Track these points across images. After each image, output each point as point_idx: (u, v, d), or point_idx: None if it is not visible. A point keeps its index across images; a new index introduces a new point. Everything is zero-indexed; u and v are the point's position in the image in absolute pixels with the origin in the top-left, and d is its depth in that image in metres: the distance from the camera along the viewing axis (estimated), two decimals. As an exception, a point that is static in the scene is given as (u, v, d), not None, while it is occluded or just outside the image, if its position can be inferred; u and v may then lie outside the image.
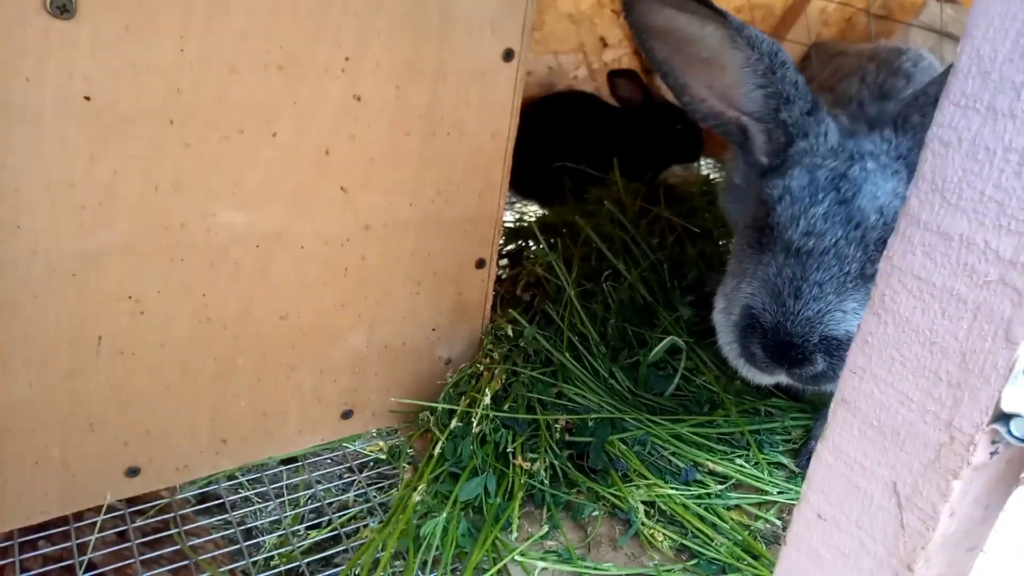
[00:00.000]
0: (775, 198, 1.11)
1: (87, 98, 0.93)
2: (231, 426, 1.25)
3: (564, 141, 2.30)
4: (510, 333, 1.45)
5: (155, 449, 1.19)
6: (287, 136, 1.10)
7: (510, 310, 1.50)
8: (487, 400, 1.27)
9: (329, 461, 1.55)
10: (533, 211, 2.43)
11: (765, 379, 1.19)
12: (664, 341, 1.50)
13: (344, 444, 1.42)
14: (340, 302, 1.28)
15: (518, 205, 2.48)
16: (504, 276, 1.83)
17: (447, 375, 1.42)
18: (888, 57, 1.59)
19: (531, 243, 1.98)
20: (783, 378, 1.13)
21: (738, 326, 1.13)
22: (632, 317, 1.60)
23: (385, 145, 1.19)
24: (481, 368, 1.41)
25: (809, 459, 1.52)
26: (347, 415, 1.38)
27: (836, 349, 1.04)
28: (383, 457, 1.46)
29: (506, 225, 2.09)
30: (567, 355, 1.44)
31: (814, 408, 1.46)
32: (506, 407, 1.33)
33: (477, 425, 1.25)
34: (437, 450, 1.24)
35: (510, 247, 2.00)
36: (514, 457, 1.25)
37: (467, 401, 1.32)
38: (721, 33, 1.11)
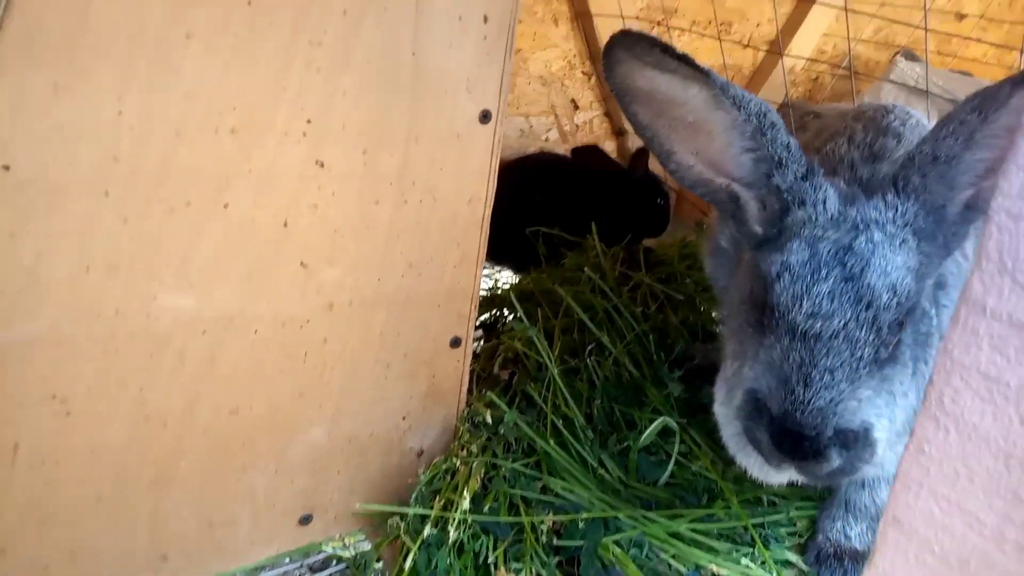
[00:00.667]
0: (774, 275, 1.01)
1: (5, 167, 0.80)
2: (173, 540, 1.08)
3: (539, 204, 2.22)
4: (488, 419, 1.32)
5: (82, 572, 1.02)
6: (240, 207, 0.97)
7: (488, 392, 1.37)
8: (465, 504, 1.12)
9: (287, 560, 1.38)
10: (507, 277, 2.31)
11: (775, 477, 1.07)
12: (655, 423, 1.38)
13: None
14: (299, 391, 1.14)
15: (491, 271, 2.36)
16: (479, 350, 1.70)
17: (419, 471, 1.27)
18: (874, 116, 1.52)
19: (507, 312, 1.86)
20: (793, 474, 1.02)
21: (742, 411, 1.01)
22: (619, 396, 1.48)
23: (351, 215, 1.07)
24: (457, 462, 1.27)
25: (818, 556, 1.42)
26: (306, 520, 1.22)
27: (851, 442, 0.93)
28: (346, 555, 1.31)
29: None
30: (552, 442, 1.30)
31: (819, 496, 1.35)
32: (486, 508, 1.18)
33: (454, 531, 1.11)
34: (408, 562, 1.09)
35: (484, 317, 1.88)
36: (496, 568, 1.10)
37: (442, 502, 1.18)
38: (705, 95, 1.02)
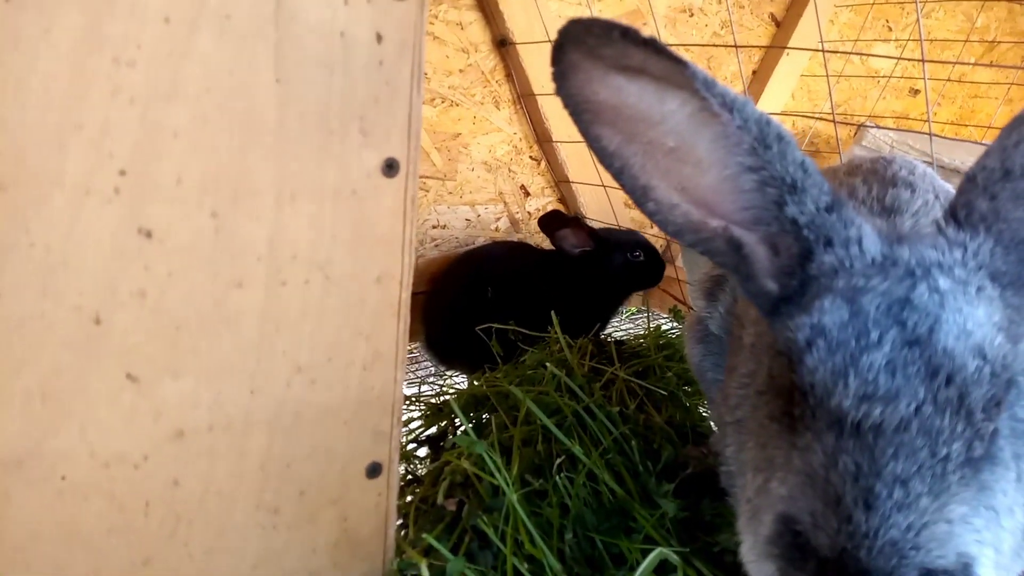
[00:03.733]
0: (802, 344, 0.71)
1: None
2: None
3: (495, 295, 1.94)
4: (425, 574, 0.98)
5: None
6: (20, 297, 0.67)
7: (424, 535, 1.04)
8: None
9: None
10: (459, 381, 2.01)
11: None
12: (650, 557, 1.05)
13: None
14: (141, 558, 0.81)
15: (437, 377, 2.06)
16: (423, 474, 1.37)
17: (330, 653, 0.93)
18: (875, 168, 1.25)
19: (458, 423, 1.54)
20: None
21: (775, 546, 0.69)
22: (599, 523, 1.15)
23: (200, 304, 0.77)
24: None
25: None
26: None
27: (945, 590, 0.62)
28: None
29: (425, 401, 1.65)
30: (512, 599, 0.97)
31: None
32: None
33: None
34: None
35: (431, 430, 1.55)
36: None
37: None
38: (689, 108, 0.75)
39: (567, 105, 0.78)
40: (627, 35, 0.69)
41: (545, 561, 1.04)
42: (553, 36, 0.74)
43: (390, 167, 0.87)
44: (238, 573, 0.87)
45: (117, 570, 0.79)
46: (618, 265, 1.98)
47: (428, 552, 1.02)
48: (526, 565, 1.04)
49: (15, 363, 0.68)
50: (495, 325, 1.74)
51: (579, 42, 0.72)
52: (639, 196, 0.80)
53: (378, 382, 0.94)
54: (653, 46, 0.69)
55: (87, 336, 0.71)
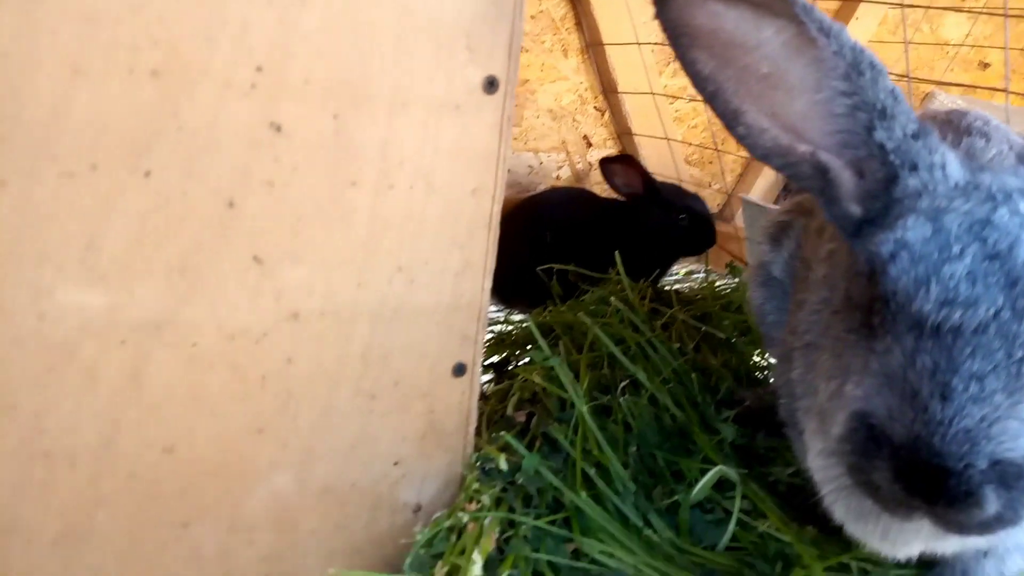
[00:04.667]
0: (885, 256, 0.75)
1: None
2: (85, 619, 0.83)
3: (554, 241, 2.00)
4: (503, 466, 1.06)
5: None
6: (167, 176, 0.75)
7: (502, 433, 1.11)
8: (476, 570, 0.86)
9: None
10: (519, 321, 2.08)
11: (902, 548, 0.80)
12: (710, 473, 1.11)
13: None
14: (256, 426, 0.89)
15: (500, 314, 2.13)
16: (488, 392, 1.45)
17: (416, 529, 1.01)
18: (950, 118, 1.27)
19: (519, 354, 1.61)
20: (924, 540, 0.75)
21: (847, 442, 0.74)
22: (661, 441, 1.21)
23: (320, 198, 0.85)
24: (465, 518, 1.01)
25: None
26: (268, 592, 0.96)
27: (1014, 479, 0.66)
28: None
29: (488, 331, 1.73)
30: (584, 495, 1.04)
31: (922, 564, 1.06)
32: (504, 575, 0.92)
33: (459, 605, 0.84)
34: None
35: (493, 358, 1.63)
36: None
37: (446, 568, 0.92)
38: (785, 36, 0.79)
39: (665, 30, 0.83)
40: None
41: (611, 467, 1.11)
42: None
43: (491, 84, 0.93)
44: (337, 451, 0.96)
45: (235, 436, 0.88)
46: (660, 222, 2.01)
47: (504, 448, 1.09)
48: (593, 470, 1.11)
49: (160, 236, 0.76)
50: (556, 266, 1.80)
51: None
52: (730, 120, 0.85)
53: (468, 289, 1.01)
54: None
55: (221, 218, 0.79)
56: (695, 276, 2.64)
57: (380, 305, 0.94)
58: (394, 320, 0.95)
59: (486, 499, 1.03)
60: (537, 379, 1.28)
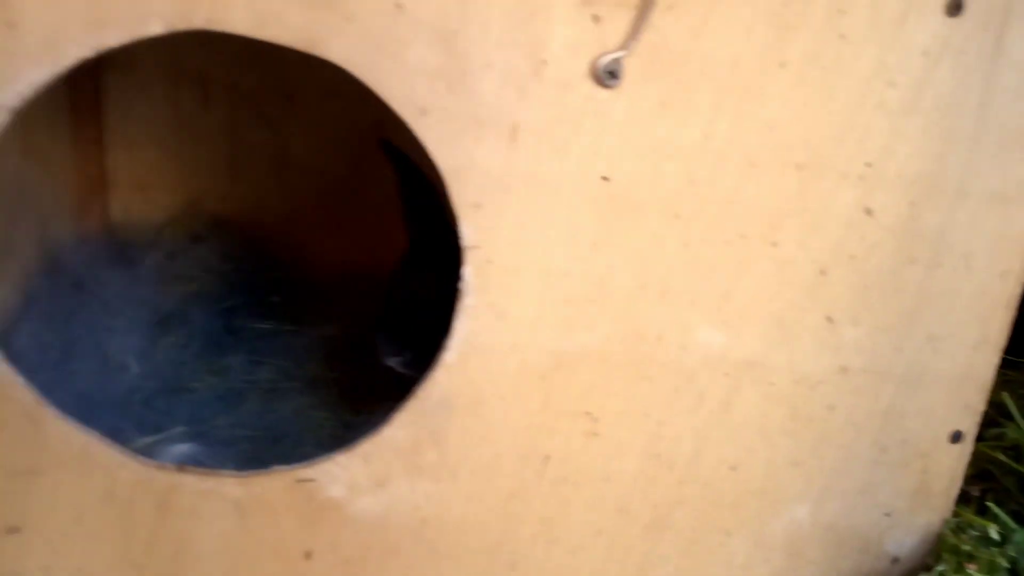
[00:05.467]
0: None
1: (605, 178, 0.83)
2: (655, 596, 1.03)
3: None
4: (994, 534, 1.12)
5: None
6: (787, 247, 0.93)
7: (989, 504, 1.17)
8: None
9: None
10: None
11: None
12: None
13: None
14: (794, 460, 1.05)
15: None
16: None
17: (899, 580, 1.11)
18: None
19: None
20: None
21: None
22: None
23: (885, 271, 0.99)
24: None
25: None
26: (778, 605, 1.10)
27: None
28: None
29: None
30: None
31: None
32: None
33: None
34: None
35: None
36: None
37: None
38: None
39: None
40: None
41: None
42: None
43: (1037, 180, 1.02)
44: (847, 493, 1.08)
45: (779, 464, 1.03)
46: None
47: (992, 519, 1.15)
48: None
49: (771, 292, 0.94)
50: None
51: None
52: None
53: (980, 362, 1.09)
54: None
55: (813, 283, 0.95)
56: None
57: (908, 369, 1.05)
58: (916, 384, 1.06)
59: (976, 565, 1.09)
60: (1000, 456, 1.31)
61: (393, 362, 1.01)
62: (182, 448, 0.93)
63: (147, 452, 0.85)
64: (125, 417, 1.07)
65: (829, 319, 0.98)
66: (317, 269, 1.50)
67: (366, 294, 1.50)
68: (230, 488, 0.86)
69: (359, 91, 1.42)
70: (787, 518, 1.08)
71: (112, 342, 1.12)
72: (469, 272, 0.84)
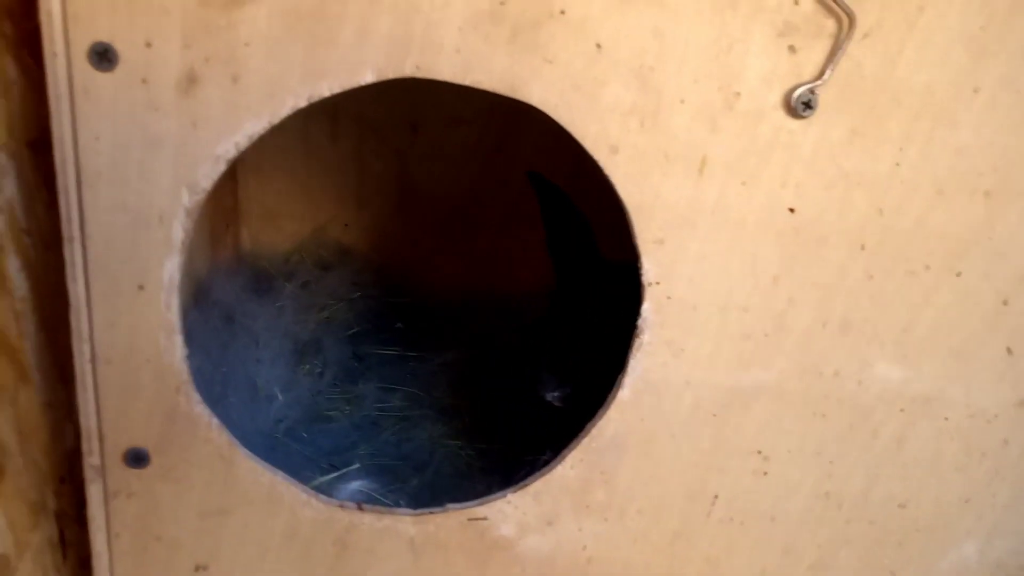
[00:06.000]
0: None
1: (791, 210, 0.81)
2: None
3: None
4: None
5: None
6: (970, 277, 0.89)
7: None
8: None
9: None
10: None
11: None
12: None
13: None
14: (965, 496, 1.00)
15: None
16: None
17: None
18: None
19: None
20: None
21: None
22: None
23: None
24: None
25: None
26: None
27: None
28: None
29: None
30: None
31: None
32: None
33: None
34: None
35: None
36: None
37: None
38: None
39: None
40: None
41: None
42: None
43: None
44: (1016, 532, 1.03)
45: (948, 501, 0.99)
46: None
47: None
48: None
49: (952, 325, 0.90)
50: None
51: None
52: None
53: None
54: None
55: (994, 314, 0.90)
56: None
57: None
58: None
59: None
60: None
61: (552, 397, 1.00)
62: (356, 484, 0.93)
63: (324, 489, 0.84)
64: (274, 449, 1.08)
65: (1009, 351, 0.94)
66: (436, 294, 1.50)
67: (483, 318, 1.49)
68: (405, 526, 0.85)
69: (481, 119, 1.42)
70: (955, 556, 1.03)
71: (260, 373, 1.13)
72: (648, 308, 0.82)
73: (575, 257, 1.07)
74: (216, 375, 1.00)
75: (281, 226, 1.42)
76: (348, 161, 1.41)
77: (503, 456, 1.14)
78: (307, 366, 1.27)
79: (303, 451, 1.11)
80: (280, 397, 1.15)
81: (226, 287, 1.18)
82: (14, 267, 0.70)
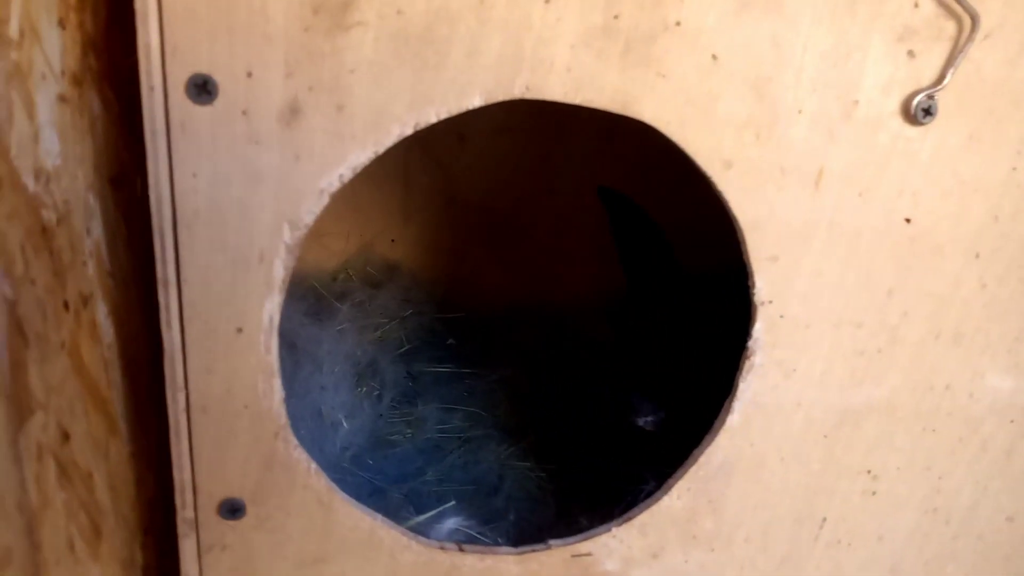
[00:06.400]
0: None
1: (907, 220, 0.77)
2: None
3: None
4: None
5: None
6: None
7: None
8: None
9: None
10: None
11: None
12: None
13: None
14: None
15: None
16: None
17: None
18: None
19: None
20: None
21: None
22: None
23: None
24: None
25: None
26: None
27: None
28: None
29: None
30: None
31: None
32: None
33: None
34: None
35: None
36: None
37: None
38: None
39: None
40: None
41: None
42: None
43: None
44: None
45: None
46: None
47: None
48: None
49: None
50: None
51: None
52: None
53: None
54: None
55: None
56: None
57: None
58: None
59: None
60: None
61: (646, 423, 0.96)
62: (451, 523, 0.89)
63: (420, 529, 0.80)
64: (342, 477, 1.04)
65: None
66: (485, 307, 1.46)
67: (533, 331, 1.45)
68: (508, 566, 0.81)
69: (527, 127, 1.38)
70: (1052, 569, 1.00)
71: (324, 400, 1.09)
72: (759, 329, 0.78)
73: (651, 270, 1.03)
74: (287, 407, 0.96)
75: (327, 244, 1.37)
76: (394, 175, 1.36)
77: (576, 478, 1.10)
78: (364, 388, 1.22)
79: (373, 480, 1.07)
80: (345, 424, 1.11)
81: (285, 312, 1.13)
82: (102, 313, 0.66)
